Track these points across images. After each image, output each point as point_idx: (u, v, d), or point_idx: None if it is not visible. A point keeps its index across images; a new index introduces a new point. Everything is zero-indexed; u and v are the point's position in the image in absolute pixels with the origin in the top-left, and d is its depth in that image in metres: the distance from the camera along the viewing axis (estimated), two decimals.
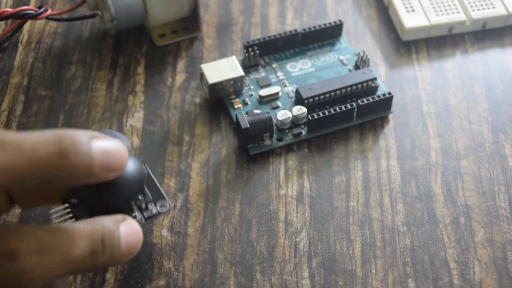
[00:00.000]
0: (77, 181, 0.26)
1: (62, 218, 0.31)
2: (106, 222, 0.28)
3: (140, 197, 0.33)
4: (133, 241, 0.29)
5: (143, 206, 0.33)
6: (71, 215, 0.32)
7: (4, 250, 0.25)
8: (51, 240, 0.26)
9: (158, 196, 0.33)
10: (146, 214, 0.33)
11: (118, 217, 0.29)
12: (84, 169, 0.26)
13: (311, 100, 0.40)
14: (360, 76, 0.41)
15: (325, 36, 0.44)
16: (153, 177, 0.34)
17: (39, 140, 0.25)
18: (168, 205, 0.33)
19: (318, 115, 0.39)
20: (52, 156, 0.25)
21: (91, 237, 0.27)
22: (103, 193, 0.30)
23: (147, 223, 0.36)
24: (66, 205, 0.32)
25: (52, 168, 0.25)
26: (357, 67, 0.43)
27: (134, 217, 0.32)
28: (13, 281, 0.25)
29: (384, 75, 0.43)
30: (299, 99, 0.40)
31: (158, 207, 0.33)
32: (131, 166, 0.31)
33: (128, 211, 0.32)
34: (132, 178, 0.31)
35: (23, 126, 0.40)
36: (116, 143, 0.27)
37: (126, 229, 0.29)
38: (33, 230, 0.26)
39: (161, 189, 0.33)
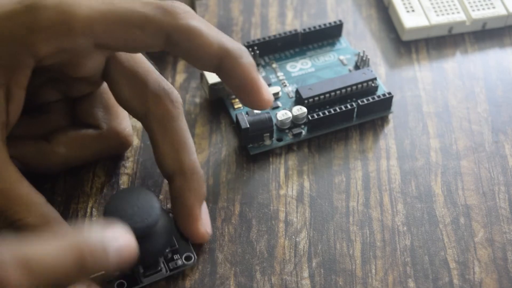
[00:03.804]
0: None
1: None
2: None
3: (167, 249, 0.33)
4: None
5: (169, 256, 0.33)
6: None
7: None
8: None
9: (184, 249, 0.34)
10: (171, 265, 0.33)
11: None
12: (100, 271, 0.28)
13: (311, 100, 0.40)
14: (360, 76, 0.41)
15: (325, 36, 0.44)
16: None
17: (60, 256, 0.26)
18: (193, 258, 0.34)
19: (318, 115, 0.39)
20: (73, 270, 0.26)
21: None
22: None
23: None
24: None
25: (70, 278, 0.27)
26: (357, 67, 0.43)
27: (160, 270, 0.33)
28: None
29: (384, 75, 0.43)
30: (299, 99, 0.40)
31: (183, 259, 0.34)
32: (161, 222, 0.31)
33: (154, 263, 0.33)
34: (161, 234, 0.31)
35: None
36: (128, 240, 0.28)
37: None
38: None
39: (188, 241, 0.34)
